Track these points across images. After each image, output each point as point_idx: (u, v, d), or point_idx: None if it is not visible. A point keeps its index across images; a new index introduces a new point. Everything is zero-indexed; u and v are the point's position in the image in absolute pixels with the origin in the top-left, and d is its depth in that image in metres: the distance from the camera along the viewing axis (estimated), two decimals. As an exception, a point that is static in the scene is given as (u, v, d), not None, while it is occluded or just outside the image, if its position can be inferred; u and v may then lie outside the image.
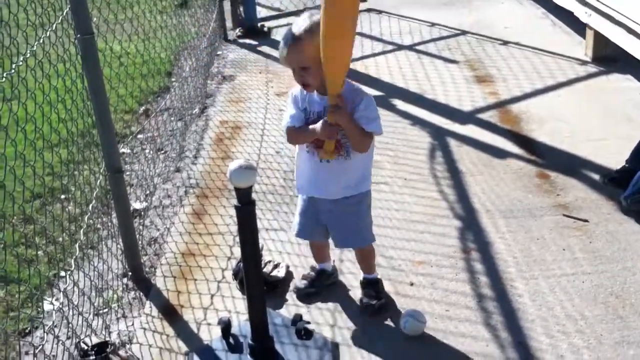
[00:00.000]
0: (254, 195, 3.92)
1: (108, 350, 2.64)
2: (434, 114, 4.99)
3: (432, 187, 4.04)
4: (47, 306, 3.35)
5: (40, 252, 3.66)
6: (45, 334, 3.00)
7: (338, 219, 2.92)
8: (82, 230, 3.22)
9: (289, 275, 3.32)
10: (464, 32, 6.69)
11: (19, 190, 3.77)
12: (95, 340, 2.72)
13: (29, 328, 3.20)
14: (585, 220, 3.60)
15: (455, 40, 6.51)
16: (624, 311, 2.95)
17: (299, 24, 2.58)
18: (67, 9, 2.95)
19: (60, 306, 3.17)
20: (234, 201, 2.57)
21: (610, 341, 2.79)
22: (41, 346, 2.86)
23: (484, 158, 4.33)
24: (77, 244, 3.17)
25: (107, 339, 2.78)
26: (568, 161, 4.21)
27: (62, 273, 3.54)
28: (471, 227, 3.62)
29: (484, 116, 4.92)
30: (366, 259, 3.11)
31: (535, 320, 2.93)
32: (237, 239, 3.49)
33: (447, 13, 7.29)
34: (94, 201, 3.33)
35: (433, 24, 7.00)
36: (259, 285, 2.71)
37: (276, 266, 3.34)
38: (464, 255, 3.40)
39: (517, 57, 5.97)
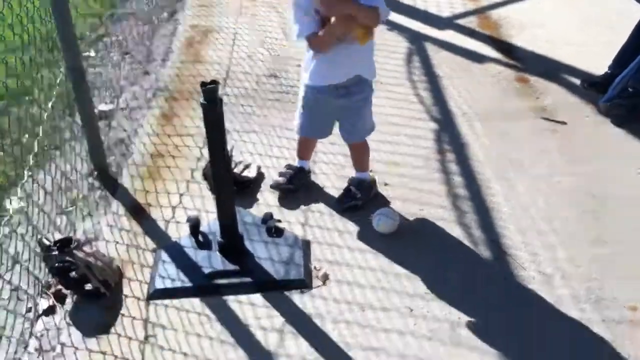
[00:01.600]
0: (226, 99, 3.90)
1: (72, 246, 2.54)
2: (412, 19, 4.83)
3: (409, 90, 3.93)
4: (9, 205, 3.24)
5: (1, 153, 3.53)
6: (9, 232, 2.92)
7: (351, 109, 2.88)
8: (40, 128, 3.09)
9: (260, 176, 3.23)
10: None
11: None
12: (58, 236, 2.63)
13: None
14: (564, 123, 3.53)
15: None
16: (600, 211, 2.91)
17: None
18: None
19: (25, 205, 3.09)
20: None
21: (586, 240, 2.76)
22: (2, 244, 2.79)
23: (463, 63, 4.22)
24: (37, 143, 3.05)
25: (72, 235, 2.69)
26: (548, 65, 4.11)
27: (26, 174, 3.42)
28: (447, 130, 3.54)
29: (463, 22, 4.77)
30: (365, 154, 3.08)
31: (508, 219, 2.89)
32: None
33: None
34: (53, 99, 3.19)
35: None
36: (227, 182, 2.63)
37: (247, 167, 3.24)
38: (439, 156, 3.33)
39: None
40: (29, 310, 2.58)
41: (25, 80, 3.85)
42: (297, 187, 3.10)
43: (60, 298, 2.60)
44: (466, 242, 2.78)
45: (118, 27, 4.99)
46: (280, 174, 3.15)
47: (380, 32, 4.59)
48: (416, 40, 4.53)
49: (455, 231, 2.83)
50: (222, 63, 4.35)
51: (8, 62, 3.18)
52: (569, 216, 2.89)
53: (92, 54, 4.68)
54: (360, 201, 2.99)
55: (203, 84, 2.45)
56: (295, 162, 3.20)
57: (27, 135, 3.58)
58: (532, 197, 3.02)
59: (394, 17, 4.84)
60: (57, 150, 3.57)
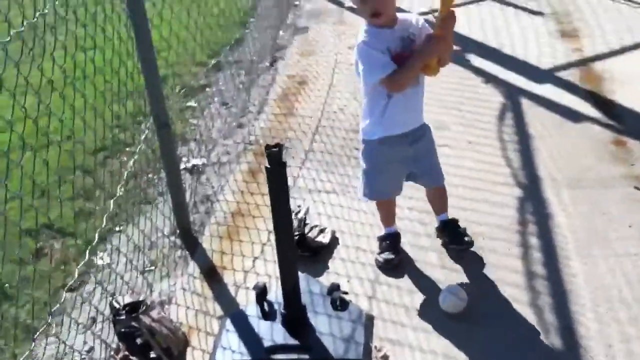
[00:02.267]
0: (311, 155, 3.95)
1: (140, 310, 2.64)
2: (510, 70, 4.72)
3: (497, 151, 3.83)
4: (98, 262, 3.41)
5: (97, 207, 3.72)
6: (93, 288, 3.08)
7: (424, 155, 2.90)
8: (119, 187, 3.24)
9: (334, 241, 3.24)
10: (555, -19, 6.26)
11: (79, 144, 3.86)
12: (128, 299, 2.74)
13: (78, 282, 3.27)
14: (659, 194, 3.32)
15: (544, -10, 6.11)
16: (687, 299, 2.71)
17: None
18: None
19: (110, 262, 3.25)
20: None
21: (667, 332, 2.57)
22: (87, 300, 2.95)
23: (558, 120, 4.07)
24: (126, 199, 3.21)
25: (141, 298, 2.79)
26: (649, 127, 3.89)
27: (117, 228, 3.60)
28: (532, 197, 3.41)
29: (563, 74, 4.61)
30: (444, 196, 3.11)
31: (586, 305, 2.74)
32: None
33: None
34: (136, 156, 3.34)
35: (522, -27, 6.58)
36: (291, 252, 2.64)
37: (322, 231, 3.26)
38: (520, 227, 3.21)
39: (610, 9, 5.56)
40: (96, 374, 2.70)
41: (120, 133, 4.09)
42: (403, 256, 3.09)
43: (127, 362, 2.70)
44: (538, 327, 2.65)
45: (221, 77, 5.17)
46: (382, 249, 3.08)
47: (475, 87, 4.53)
48: (511, 94, 4.42)
49: (528, 315, 2.71)
50: (314, 116, 4.41)
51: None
52: (652, 303, 2.71)
53: (194, 104, 4.87)
54: (468, 236, 3.07)
55: (267, 147, 2.48)
56: (382, 231, 3.14)
57: (122, 189, 3.79)
58: (614, 278, 2.85)
59: (491, 67, 4.77)
60: (149, 204, 3.73)
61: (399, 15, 2.67)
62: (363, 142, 2.89)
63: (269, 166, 2.48)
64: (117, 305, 2.69)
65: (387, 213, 3.11)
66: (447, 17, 2.54)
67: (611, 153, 3.69)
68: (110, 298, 2.80)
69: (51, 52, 2.76)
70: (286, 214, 2.57)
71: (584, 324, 2.65)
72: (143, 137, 3.40)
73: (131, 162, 3.34)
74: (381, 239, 3.12)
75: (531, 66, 4.78)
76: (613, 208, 3.27)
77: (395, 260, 3.02)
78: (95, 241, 2.95)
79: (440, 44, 2.58)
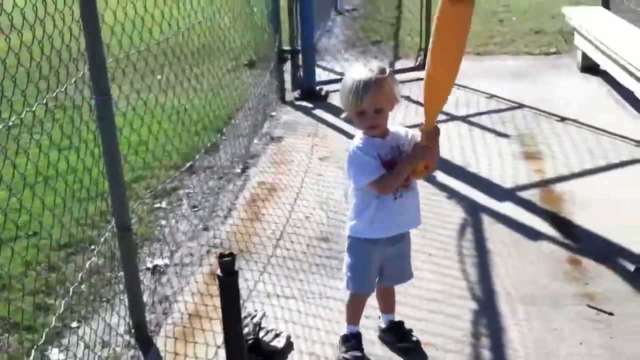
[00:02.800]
0: (274, 260, 4.00)
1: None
2: (473, 188, 4.87)
3: (456, 264, 3.90)
4: (53, 357, 3.38)
5: (56, 302, 3.71)
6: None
7: (402, 255, 3.10)
8: (78, 284, 3.26)
9: (288, 346, 3.25)
10: (521, 106, 6.55)
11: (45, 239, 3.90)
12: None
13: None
14: (610, 314, 3.39)
15: (511, 114, 6.38)
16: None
17: (372, 69, 2.74)
18: (85, 69, 3.04)
19: (66, 357, 3.22)
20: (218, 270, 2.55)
21: None
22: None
23: (516, 238, 4.17)
24: (86, 296, 3.21)
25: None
26: (604, 248, 4.00)
27: (73, 324, 3.59)
28: (487, 311, 3.47)
29: (525, 194, 4.76)
30: (393, 297, 3.28)
31: (533, 419, 2.74)
32: (246, 303, 3.50)
33: (511, 85, 7.16)
34: (93, 258, 3.38)
35: (492, 96, 6.90)
36: (241, 356, 2.66)
37: (277, 335, 3.27)
38: (474, 340, 3.24)
39: (572, 134, 5.79)
40: None
41: (88, 230, 4.13)
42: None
43: None
44: None
45: (193, 180, 5.28)
46: (347, 349, 3.12)
47: (439, 202, 4.65)
48: (473, 211, 4.54)
49: None
50: (279, 222, 4.49)
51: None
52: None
53: (164, 205, 4.94)
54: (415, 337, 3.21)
55: (220, 256, 2.55)
56: (344, 330, 3.21)
57: (83, 286, 3.81)
58: (563, 395, 2.87)
59: (456, 184, 4.92)
60: (107, 302, 3.73)
61: (392, 127, 2.90)
62: (349, 238, 3.04)
63: (220, 274, 2.54)
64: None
65: (358, 312, 3.20)
66: (432, 131, 2.80)
67: (566, 272, 3.78)
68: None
69: (26, 150, 2.89)
70: (236, 323, 2.61)
71: None
72: (102, 239, 3.44)
73: (93, 260, 3.36)
74: (345, 339, 3.17)
75: (494, 185, 4.93)
76: (565, 325, 3.32)
77: (363, 359, 3.10)
78: (44, 339, 2.93)
79: (427, 153, 2.81)
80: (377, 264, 3.05)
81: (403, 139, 2.91)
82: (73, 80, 3.11)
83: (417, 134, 2.88)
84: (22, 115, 2.87)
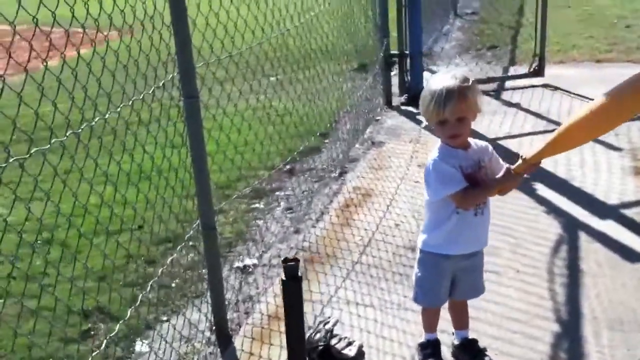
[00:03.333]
0: (358, 267, 4.03)
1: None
2: (574, 203, 4.69)
3: (544, 283, 3.78)
4: (138, 348, 3.57)
5: (151, 296, 3.90)
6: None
7: (474, 269, 3.04)
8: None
9: (359, 356, 3.26)
10: (638, 118, 6.22)
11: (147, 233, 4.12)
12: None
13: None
14: None
15: (627, 126, 6.06)
16: None
17: (456, 77, 2.67)
18: (175, 72, 3.18)
19: (150, 349, 3.40)
20: (282, 275, 2.61)
21: None
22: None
23: (613, 259, 3.99)
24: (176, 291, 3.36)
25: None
26: None
27: (163, 317, 3.77)
28: (569, 335, 3.34)
29: (629, 212, 4.53)
30: (466, 312, 3.20)
31: None
32: (325, 308, 3.55)
33: (628, 95, 6.82)
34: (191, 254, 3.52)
35: (608, 106, 6.58)
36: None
37: (350, 344, 3.29)
38: (550, 364, 3.14)
39: (692, 150, 5.45)
40: None
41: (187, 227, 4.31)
42: None
43: None
44: None
45: (291, 182, 5.39)
46: (423, 357, 3.17)
47: (536, 216, 4.52)
48: (571, 227, 4.38)
49: None
50: (369, 229, 4.51)
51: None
52: None
53: (261, 205, 5.08)
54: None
55: (285, 260, 2.61)
56: (422, 338, 3.22)
57: (177, 280, 3.99)
58: None
59: (556, 198, 4.76)
60: (197, 298, 3.90)
61: (473, 141, 2.85)
62: (422, 252, 3.01)
63: (285, 279, 2.60)
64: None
65: (433, 320, 3.18)
66: (534, 165, 2.73)
67: (662, 298, 3.58)
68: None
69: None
70: (299, 328, 2.66)
71: None
72: (187, 237, 3.59)
73: (189, 256, 3.52)
74: (423, 347, 3.19)
75: (597, 201, 4.73)
76: (651, 355, 3.15)
77: None
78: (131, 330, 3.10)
79: (516, 181, 2.79)
80: (449, 279, 3.01)
81: (484, 154, 2.85)
82: (162, 82, 3.25)
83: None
84: (127, 118, 3.08)
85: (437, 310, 3.17)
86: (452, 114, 2.66)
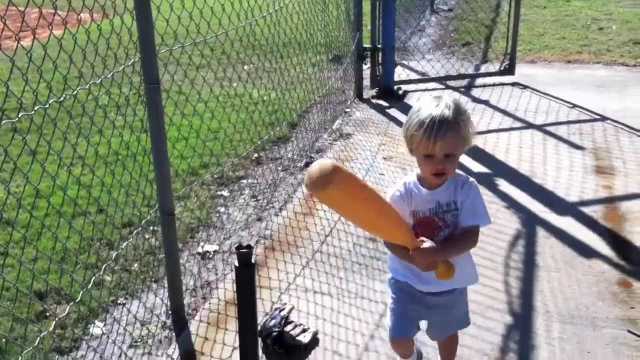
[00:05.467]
0: (318, 255, 4.06)
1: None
2: (535, 200, 4.76)
3: (499, 276, 3.83)
4: (94, 330, 3.57)
5: (107, 278, 3.90)
6: (82, 355, 3.22)
7: (448, 306, 2.65)
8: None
9: (313, 342, 3.29)
10: (603, 118, 6.33)
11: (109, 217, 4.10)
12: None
13: (70, 347, 3.41)
14: (650, 342, 3.25)
15: (591, 126, 6.17)
16: None
17: (449, 106, 2.29)
18: (137, 57, 3.17)
19: (104, 332, 3.40)
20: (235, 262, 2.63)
21: None
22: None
23: (568, 254, 4.05)
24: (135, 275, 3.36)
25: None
26: (660, 273, 3.83)
27: (120, 300, 3.77)
28: (521, 327, 3.40)
29: (587, 210, 4.60)
30: (454, 346, 2.92)
31: None
32: (283, 295, 3.57)
33: (597, 96, 6.94)
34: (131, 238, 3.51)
35: (574, 106, 6.70)
36: (253, 348, 2.73)
37: (304, 331, 3.32)
38: (500, 355, 3.19)
39: (654, 152, 5.54)
40: None
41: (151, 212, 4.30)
42: None
43: None
44: None
45: (258, 171, 5.40)
46: None
47: (496, 212, 4.57)
48: (530, 223, 4.44)
49: None
50: (331, 219, 4.53)
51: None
52: None
53: (226, 193, 5.08)
54: None
55: (239, 247, 2.62)
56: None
57: (136, 265, 3.99)
58: (581, 420, 2.79)
59: (517, 195, 4.82)
60: (156, 283, 3.90)
61: (456, 173, 2.45)
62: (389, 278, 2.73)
63: (237, 266, 2.62)
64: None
65: (401, 352, 2.88)
66: (416, 252, 2.37)
67: (613, 293, 3.65)
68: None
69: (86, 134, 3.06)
70: (251, 314, 2.68)
71: None
72: (144, 221, 3.58)
73: (148, 242, 3.51)
74: None
75: (557, 198, 4.80)
76: (599, 348, 3.22)
77: None
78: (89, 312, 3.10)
79: (425, 263, 2.38)
80: (416, 310, 2.64)
81: (457, 195, 2.42)
82: (122, 67, 3.24)
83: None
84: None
85: (403, 342, 2.78)
86: (441, 149, 2.28)
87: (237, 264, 2.62)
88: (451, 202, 2.41)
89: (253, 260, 2.65)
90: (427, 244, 2.34)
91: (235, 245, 2.65)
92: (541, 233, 4.32)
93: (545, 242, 4.20)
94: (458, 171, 2.44)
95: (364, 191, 2.19)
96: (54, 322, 3.00)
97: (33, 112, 2.58)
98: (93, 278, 3.19)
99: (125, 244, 3.53)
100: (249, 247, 2.62)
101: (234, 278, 3.82)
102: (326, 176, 2.04)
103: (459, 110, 2.31)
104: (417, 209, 2.45)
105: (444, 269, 2.38)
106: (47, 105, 2.67)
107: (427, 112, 2.28)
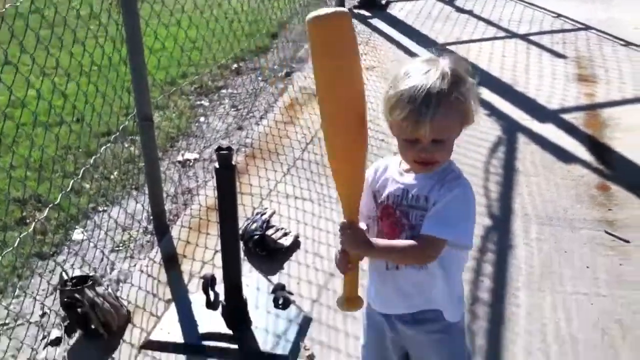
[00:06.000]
0: (299, 162, 4.05)
1: (85, 284, 2.76)
2: (517, 107, 4.75)
3: (479, 181, 3.85)
4: (75, 236, 3.57)
5: (87, 185, 3.87)
6: (64, 259, 3.23)
7: (427, 341, 1.89)
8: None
9: (294, 245, 3.31)
10: (587, 28, 6.27)
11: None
12: (77, 272, 2.86)
13: (51, 251, 3.41)
14: (626, 241, 3.30)
15: (575, 35, 6.12)
16: (621, 342, 2.70)
17: (444, 72, 1.65)
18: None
19: (85, 238, 3.40)
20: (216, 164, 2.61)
21: (592, 370, 2.57)
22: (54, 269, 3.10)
23: (548, 160, 4.07)
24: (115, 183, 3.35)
25: (90, 273, 2.91)
26: (638, 177, 3.86)
27: (99, 208, 3.76)
28: (499, 229, 3.44)
29: (568, 117, 4.60)
30: None
31: (520, 334, 2.75)
32: (264, 201, 3.57)
33: (581, 5, 6.86)
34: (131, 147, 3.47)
35: (559, 15, 6.62)
36: (234, 248, 2.74)
37: (286, 234, 3.34)
38: (478, 255, 3.23)
39: (634, 60, 5.51)
40: (44, 337, 2.84)
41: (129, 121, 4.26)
42: None
43: (70, 331, 2.82)
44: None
45: (238, 81, 5.33)
46: None
47: (476, 119, 4.54)
48: (511, 130, 4.44)
49: (459, 336, 2.73)
50: (312, 127, 4.50)
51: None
52: (585, 341, 2.69)
53: (206, 103, 5.03)
54: None
55: (218, 149, 2.60)
56: None
57: (116, 173, 3.96)
58: (555, 314, 2.85)
59: (499, 103, 4.80)
60: (136, 190, 3.89)
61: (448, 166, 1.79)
62: None
63: (218, 167, 2.59)
64: (65, 277, 2.81)
65: None
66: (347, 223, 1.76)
67: (592, 196, 3.68)
68: (60, 268, 2.92)
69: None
70: (232, 215, 2.68)
71: (511, 350, 2.66)
72: (122, 126, 3.53)
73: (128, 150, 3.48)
74: None
75: (539, 105, 4.79)
76: (576, 248, 3.27)
77: None
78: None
79: (339, 260, 1.81)
80: (387, 348, 1.98)
81: (433, 191, 1.73)
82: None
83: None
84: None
85: None
86: (428, 133, 1.64)
87: (217, 165, 2.59)
88: (422, 196, 1.74)
89: (233, 163, 2.61)
90: (363, 225, 1.81)
91: (215, 148, 2.61)
92: (522, 140, 4.33)
93: (525, 149, 4.21)
94: (454, 162, 1.82)
95: (353, 67, 1.68)
96: (33, 224, 2.97)
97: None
98: (72, 181, 3.15)
99: (103, 148, 3.48)
100: (229, 148, 2.59)
101: (215, 185, 3.83)
102: (338, 12, 1.65)
103: (457, 80, 1.66)
104: (380, 189, 1.82)
105: (349, 288, 1.82)
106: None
107: (412, 82, 1.64)
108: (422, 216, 1.74)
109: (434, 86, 1.62)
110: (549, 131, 4.41)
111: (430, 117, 1.62)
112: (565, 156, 4.11)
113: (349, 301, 1.83)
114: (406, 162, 1.77)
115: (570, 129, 4.44)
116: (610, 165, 4.00)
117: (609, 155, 4.11)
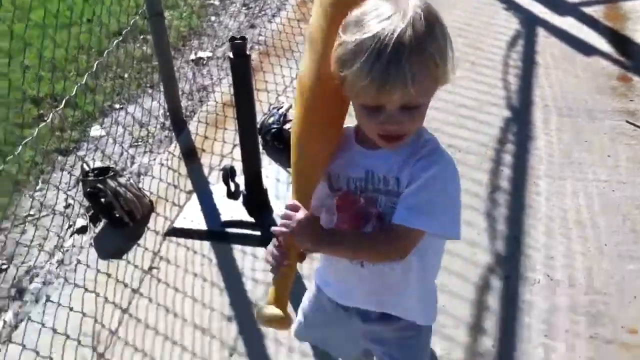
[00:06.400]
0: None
1: (107, 175, 2.77)
2: (536, 1, 4.62)
3: (497, 74, 3.80)
4: (93, 132, 3.57)
5: (102, 83, 3.84)
6: (84, 154, 3.24)
7: (393, 340, 1.60)
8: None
9: (313, 138, 3.29)
10: None
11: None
12: (98, 164, 2.87)
13: (71, 147, 3.42)
14: (647, 130, 3.28)
15: None
16: (642, 228, 2.71)
17: (413, 18, 1.21)
18: None
19: (103, 135, 3.40)
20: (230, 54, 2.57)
21: (612, 253, 2.59)
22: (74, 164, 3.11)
23: (568, 53, 4.00)
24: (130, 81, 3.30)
25: (111, 165, 2.92)
26: (660, 67, 3.80)
27: (117, 105, 3.74)
28: (519, 120, 3.41)
29: (589, 10, 4.49)
30: None
31: (541, 219, 2.76)
32: (280, 97, 3.55)
33: None
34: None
35: None
36: (253, 137, 2.74)
37: (302, 126, 3.31)
38: (498, 145, 3.22)
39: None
40: (69, 226, 2.87)
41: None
42: None
43: (94, 220, 2.86)
44: (485, 234, 2.69)
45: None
46: None
47: (495, 13, 4.46)
48: (530, 24, 4.34)
49: (479, 221, 2.75)
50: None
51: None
52: (606, 226, 2.71)
53: (216, 2, 4.93)
54: None
55: (232, 39, 2.55)
56: None
57: (130, 71, 3.92)
58: (577, 200, 2.85)
59: (518, -5, 4.66)
60: (152, 88, 3.86)
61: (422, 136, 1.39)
62: None
63: (233, 57, 2.55)
64: (86, 168, 2.82)
65: None
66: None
67: (613, 88, 3.63)
68: (81, 161, 2.93)
69: None
70: (248, 102, 2.65)
71: (533, 236, 2.67)
72: (132, 21, 3.46)
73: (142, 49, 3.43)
74: None
75: (558, -1, 4.68)
76: (597, 138, 3.24)
77: None
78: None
79: (268, 253, 1.51)
80: (347, 339, 1.69)
81: (404, 169, 1.35)
82: None
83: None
84: None
85: None
86: (398, 98, 1.24)
87: (231, 55, 2.55)
88: (390, 177, 1.37)
89: (247, 52, 2.57)
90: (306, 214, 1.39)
91: (229, 39, 2.56)
92: (541, 33, 4.24)
93: (545, 42, 4.13)
94: (426, 129, 1.40)
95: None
96: (50, 116, 2.95)
97: None
98: (86, 75, 3.12)
99: (115, 41, 3.42)
100: (243, 38, 2.54)
101: (230, 82, 3.79)
102: None
103: (430, 23, 1.24)
104: (337, 171, 1.43)
105: (277, 298, 1.45)
106: None
107: (375, 27, 1.21)
108: (393, 203, 1.35)
109: (402, 35, 1.19)
110: (569, 24, 4.31)
111: (401, 77, 1.20)
112: (585, 49, 4.03)
113: (275, 318, 1.42)
114: (368, 134, 1.35)
115: (591, 22, 4.34)
116: (632, 57, 3.93)
117: (630, 47, 4.03)
